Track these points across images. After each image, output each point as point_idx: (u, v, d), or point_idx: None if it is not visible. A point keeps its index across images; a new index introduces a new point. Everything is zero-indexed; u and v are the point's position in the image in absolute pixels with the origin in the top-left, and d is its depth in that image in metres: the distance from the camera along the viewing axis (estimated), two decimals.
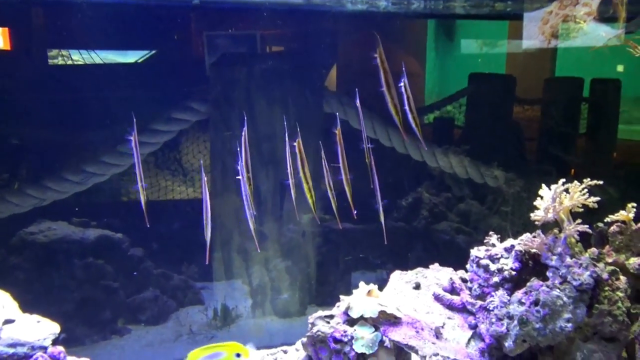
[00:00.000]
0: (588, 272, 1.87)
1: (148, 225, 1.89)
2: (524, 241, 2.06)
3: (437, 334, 2.07)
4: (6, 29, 3.30)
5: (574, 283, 1.88)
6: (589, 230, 1.97)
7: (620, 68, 3.98)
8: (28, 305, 2.97)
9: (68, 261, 3.10)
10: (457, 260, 2.32)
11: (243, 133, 1.92)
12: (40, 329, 1.90)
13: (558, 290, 1.88)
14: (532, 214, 2.03)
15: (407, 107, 1.77)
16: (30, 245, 3.02)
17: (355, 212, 1.95)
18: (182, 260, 3.74)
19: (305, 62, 3.43)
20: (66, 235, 3.08)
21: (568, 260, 1.92)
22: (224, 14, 3.79)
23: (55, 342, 1.94)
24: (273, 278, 3.36)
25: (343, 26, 4.05)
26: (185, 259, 3.76)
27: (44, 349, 1.85)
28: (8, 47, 3.29)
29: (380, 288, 2.27)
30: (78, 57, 3.89)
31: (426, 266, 2.36)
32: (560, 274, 1.92)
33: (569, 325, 1.84)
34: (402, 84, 1.78)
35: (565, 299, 1.86)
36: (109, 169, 3.11)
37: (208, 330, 3.29)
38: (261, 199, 2.97)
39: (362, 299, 2.07)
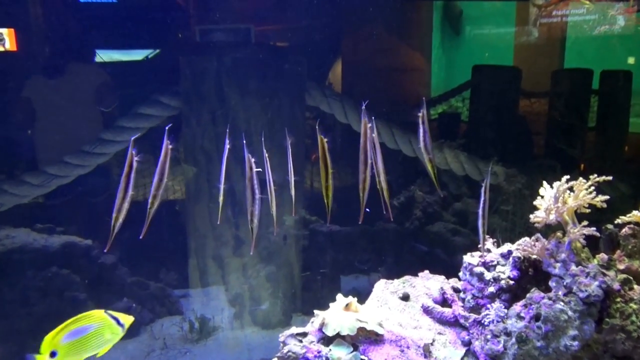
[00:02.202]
0: (596, 282, 1.64)
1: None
2: (523, 246, 1.82)
3: (426, 353, 1.84)
4: (12, 30, 3.19)
5: (581, 295, 1.64)
6: (597, 234, 1.73)
7: (631, 60, 3.85)
8: None
9: (28, 272, 2.88)
10: (453, 265, 2.09)
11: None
12: None
13: (562, 303, 1.64)
14: (531, 216, 1.79)
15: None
16: None
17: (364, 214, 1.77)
18: (160, 266, 3.51)
19: (284, 51, 3.19)
20: (26, 244, 2.86)
21: (573, 268, 1.69)
22: (217, 7, 3.64)
23: None
24: (252, 286, 3.13)
25: (344, 19, 3.91)
26: (164, 265, 3.54)
27: None
28: (14, 48, 3.19)
29: (370, 295, 2.06)
30: None
31: (418, 270, 2.14)
32: (565, 284, 1.69)
33: (575, 343, 1.61)
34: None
35: (570, 313, 1.63)
36: (73, 170, 2.88)
37: (182, 344, 3.07)
38: (236, 199, 2.74)
39: (339, 314, 1.84)
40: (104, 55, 3.53)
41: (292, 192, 1.74)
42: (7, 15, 3.29)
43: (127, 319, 1.72)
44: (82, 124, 3.17)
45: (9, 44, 3.16)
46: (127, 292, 3.24)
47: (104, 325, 1.67)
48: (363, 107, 1.65)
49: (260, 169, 1.71)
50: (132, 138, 1.51)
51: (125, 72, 3.69)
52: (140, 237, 1.49)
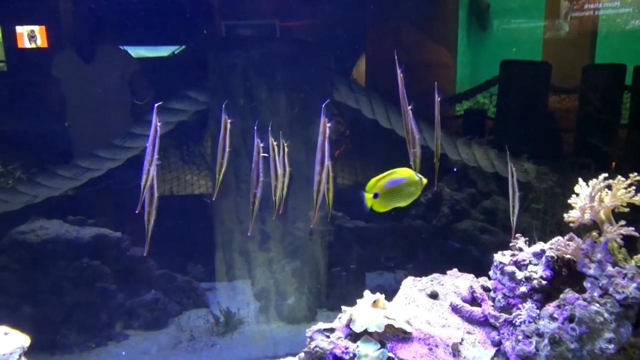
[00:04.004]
0: (634, 284, 1.59)
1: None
2: (557, 245, 1.77)
3: (455, 352, 1.81)
4: (43, 27, 3.28)
5: (617, 296, 1.59)
6: (636, 234, 1.67)
7: None
8: (15, 310, 2.86)
9: (60, 262, 2.94)
10: (481, 263, 2.05)
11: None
12: (7, 343, 1.72)
13: (597, 305, 1.60)
14: (565, 215, 1.74)
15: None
16: (20, 245, 2.87)
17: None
18: (187, 259, 3.56)
19: (311, 46, 3.17)
20: (59, 235, 2.92)
21: (609, 269, 1.64)
22: (243, 3, 3.67)
23: (25, 355, 1.76)
24: (278, 281, 3.14)
25: (368, 14, 3.88)
26: (192, 258, 3.58)
27: None
28: (46, 45, 3.29)
29: (396, 292, 2.04)
30: None
31: (446, 269, 2.11)
32: (600, 285, 1.64)
33: (611, 346, 1.56)
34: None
35: (606, 315, 1.58)
36: (104, 164, 2.94)
37: (209, 336, 3.10)
38: (263, 195, 2.74)
39: (367, 311, 1.82)
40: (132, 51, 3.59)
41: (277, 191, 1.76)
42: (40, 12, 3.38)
43: (424, 181, 1.94)
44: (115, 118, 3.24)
45: (41, 41, 3.24)
46: (155, 284, 3.29)
47: (413, 180, 1.90)
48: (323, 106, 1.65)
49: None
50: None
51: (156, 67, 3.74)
52: (145, 255, 1.53)
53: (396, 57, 1.61)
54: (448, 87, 4.57)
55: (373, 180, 1.90)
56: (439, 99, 1.73)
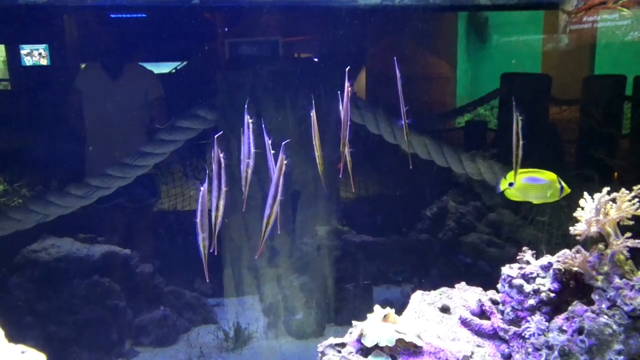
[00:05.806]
0: None
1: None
2: (564, 258, 1.79)
3: None
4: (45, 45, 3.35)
5: (626, 308, 1.61)
6: None
7: None
8: (27, 328, 2.89)
9: (71, 280, 2.98)
10: (488, 277, 2.08)
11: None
12: None
13: (606, 317, 1.62)
14: (571, 228, 1.76)
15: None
16: (32, 263, 2.91)
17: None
18: (195, 276, 3.58)
19: (317, 64, 3.23)
20: (70, 253, 2.96)
21: (617, 281, 1.66)
22: (244, 20, 3.73)
23: None
24: (286, 296, 3.16)
25: (366, 28, 3.93)
26: (199, 274, 3.60)
27: None
28: (47, 63, 3.35)
29: (403, 306, 2.06)
30: None
31: (453, 283, 2.13)
32: (608, 297, 1.66)
33: (621, 358, 1.58)
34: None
35: (615, 327, 1.60)
36: (114, 182, 2.98)
37: (218, 353, 3.11)
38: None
39: (377, 325, 1.84)
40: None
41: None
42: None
43: (567, 190, 1.99)
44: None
45: (43, 60, 3.31)
46: (164, 300, 3.31)
47: (552, 184, 1.97)
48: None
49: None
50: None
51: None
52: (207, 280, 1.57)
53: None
54: (448, 100, 4.61)
55: (514, 172, 1.96)
56: (349, 87, 1.75)
